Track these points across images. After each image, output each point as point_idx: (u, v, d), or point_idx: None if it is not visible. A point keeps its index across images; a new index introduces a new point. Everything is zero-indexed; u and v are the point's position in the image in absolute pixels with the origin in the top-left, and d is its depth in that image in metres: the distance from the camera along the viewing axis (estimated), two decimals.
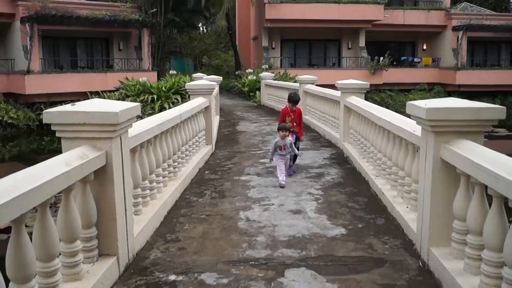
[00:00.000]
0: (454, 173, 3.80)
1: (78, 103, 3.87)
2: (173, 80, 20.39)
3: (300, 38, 29.97)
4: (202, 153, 8.65)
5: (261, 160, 8.80)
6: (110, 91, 21.37)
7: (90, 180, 3.66)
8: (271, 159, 7.35)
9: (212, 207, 5.98)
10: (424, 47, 32.49)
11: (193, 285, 3.84)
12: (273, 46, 29.73)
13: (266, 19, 27.21)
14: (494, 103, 29.09)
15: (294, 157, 7.77)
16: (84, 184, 3.62)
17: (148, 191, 5.26)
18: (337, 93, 10.22)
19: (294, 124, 8.05)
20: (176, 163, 6.66)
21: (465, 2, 32.90)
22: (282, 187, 6.77)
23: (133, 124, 4.31)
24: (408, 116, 4.54)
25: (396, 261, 4.29)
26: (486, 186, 3.20)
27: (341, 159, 8.88)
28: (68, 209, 3.35)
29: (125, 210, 4.12)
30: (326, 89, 12.21)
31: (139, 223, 4.67)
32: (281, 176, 6.94)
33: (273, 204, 6.04)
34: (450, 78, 28.99)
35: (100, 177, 3.79)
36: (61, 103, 22.18)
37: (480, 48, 32.42)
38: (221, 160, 9.02)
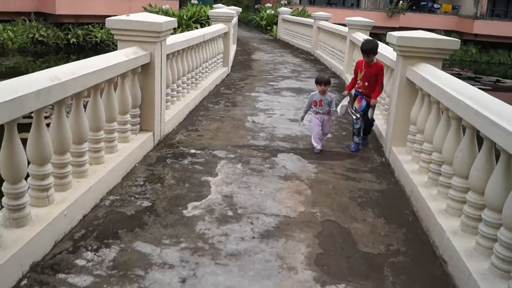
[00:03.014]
0: (414, 89, 4.98)
1: (131, 15, 5.06)
2: (194, 10, 21.16)
3: None
4: (219, 72, 9.84)
5: (270, 83, 9.99)
6: None
7: (138, 72, 4.92)
8: (303, 117, 5.84)
9: (225, 112, 7.25)
10: None
11: (208, 155, 5.17)
12: None
13: None
14: (510, 56, 29.54)
15: (367, 124, 5.84)
16: (133, 75, 4.87)
17: (175, 93, 6.51)
18: (345, 29, 11.20)
19: (366, 83, 5.68)
20: (197, 76, 7.88)
21: None
22: (317, 152, 5.53)
23: (167, 38, 5.50)
24: None
25: (365, 157, 5.57)
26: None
27: (342, 87, 9.98)
28: (123, 90, 4.63)
29: (160, 100, 5.40)
30: (336, 25, 13.13)
31: (168, 114, 5.95)
32: (316, 141, 5.57)
33: (275, 114, 7.30)
34: (468, 26, 29.21)
35: (145, 71, 5.03)
36: (87, 24, 23.35)
37: None
38: (235, 80, 10.22)
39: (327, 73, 11.95)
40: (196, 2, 22.96)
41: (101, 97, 4.09)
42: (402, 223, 3.89)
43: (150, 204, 3.89)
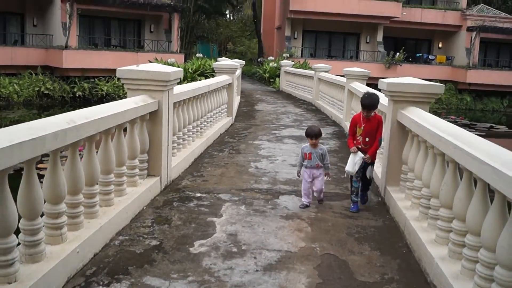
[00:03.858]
0: (405, 131, 5.28)
1: (140, 65, 5.45)
2: (199, 63, 21.94)
3: (321, 30, 31.27)
4: (223, 122, 10.22)
5: (273, 131, 10.35)
6: None
7: (146, 119, 5.25)
8: (298, 172, 5.45)
9: (229, 159, 7.55)
10: (440, 45, 33.48)
11: (213, 198, 5.42)
12: (295, 36, 31.09)
13: (290, 10, 28.56)
14: (503, 103, 30.28)
15: (365, 183, 5.38)
16: (142, 121, 5.20)
17: (181, 140, 6.83)
18: (343, 79, 11.67)
19: (366, 139, 5.25)
20: (202, 125, 8.24)
21: (482, 4, 33.67)
22: (302, 207, 5.22)
23: (174, 87, 5.87)
24: None
25: None
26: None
27: (341, 134, 10.37)
28: (132, 136, 4.94)
29: (167, 146, 5.71)
30: (335, 76, 13.65)
31: (174, 161, 6.25)
32: (304, 197, 5.29)
33: (278, 159, 7.59)
34: (462, 76, 29.99)
35: (153, 118, 5.37)
36: (94, 78, 24.14)
37: (493, 49, 33.26)
38: (239, 129, 10.58)
39: (322, 123, 12.34)
40: (201, 55, 23.79)
41: (111, 142, 4.40)
42: (396, 254, 4.09)
43: (158, 243, 4.11)
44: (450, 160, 3.52)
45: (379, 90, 5.90)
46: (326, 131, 10.81)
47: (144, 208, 4.98)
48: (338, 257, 3.96)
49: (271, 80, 24.81)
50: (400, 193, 5.24)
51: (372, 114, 5.23)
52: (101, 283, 3.37)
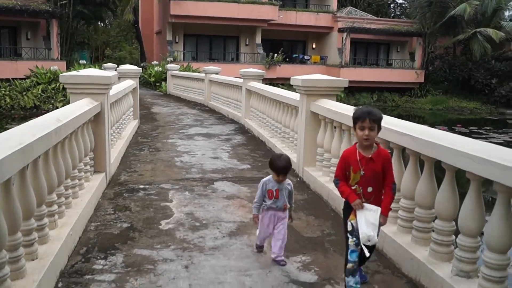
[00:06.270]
0: (318, 118, 6.35)
1: (81, 71, 5.87)
2: (84, 69, 21.61)
3: (202, 33, 32.21)
4: (133, 124, 10.65)
5: (180, 131, 11.00)
6: (20, 79, 22.01)
7: (92, 121, 5.69)
8: (256, 217, 3.97)
9: (153, 156, 8.10)
10: (314, 46, 36.24)
11: (157, 188, 6.02)
12: (177, 40, 31.65)
13: (171, 14, 29.06)
14: (373, 98, 33.69)
15: (362, 257, 3.32)
16: (87, 124, 5.63)
17: (112, 137, 7.26)
18: (239, 80, 12.65)
19: (368, 189, 3.29)
20: (121, 126, 8.66)
21: (350, 7, 37.11)
22: (258, 251, 4.10)
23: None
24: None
25: None
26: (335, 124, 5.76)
27: (243, 131, 11.33)
28: (83, 136, 5.37)
29: (109, 144, 6.17)
30: (230, 77, 14.62)
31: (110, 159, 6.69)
32: (260, 240, 4.07)
33: (197, 154, 8.31)
34: (335, 74, 32.71)
35: (96, 119, 5.81)
36: None
37: (362, 48, 36.85)
38: (148, 130, 11.06)
39: (222, 121, 13.21)
40: (85, 62, 23.39)
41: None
42: (327, 217, 5.11)
43: (129, 225, 4.68)
44: None
45: (278, 85, 6.92)
46: (228, 128, 11.71)
47: (100, 200, 5.45)
48: None
49: (157, 84, 25.15)
50: (318, 172, 6.29)
51: (374, 149, 3.27)
52: (99, 257, 3.90)
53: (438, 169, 3.65)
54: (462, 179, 3.48)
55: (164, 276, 3.59)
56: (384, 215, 3.28)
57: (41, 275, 3.16)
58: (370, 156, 3.25)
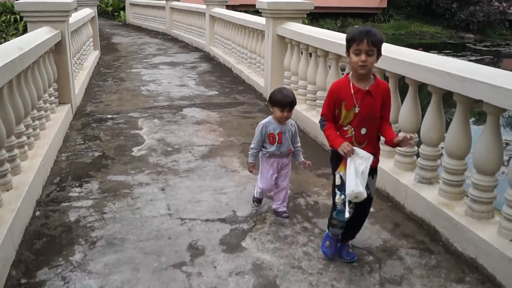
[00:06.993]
0: (284, 42, 6.34)
1: None
2: None
3: None
4: (94, 55, 10.35)
5: (144, 60, 10.78)
6: None
7: (53, 50, 5.53)
8: (253, 165, 3.43)
9: (118, 86, 7.99)
10: None
11: (125, 117, 6.00)
12: None
13: None
14: (336, 24, 33.49)
15: (359, 219, 2.88)
16: (49, 53, 5.47)
17: (74, 68, 7.09)
18: (202, 7, 12.31)
19: (362, 130, 2.68)
20: (82, 57, 8.43)
21: None
22: (258, 205, 3.61)
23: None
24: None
25: (251, 103, 6.84)
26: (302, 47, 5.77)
27: (208, 58, 11.20)
28: (45, 66, 5.24)
29: (72, 74, 6.04)
30: (193, 4, 14.18)
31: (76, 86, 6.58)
32: (260, 194, 3.55)
33: (163, 82, 8.23)
34: None
35: (57, 49, 5.65)
36: None
37: None
38: (110, 61, 10.79)
39: (186, 50, 12.96)
40: None
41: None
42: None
43: (100, 153, 4.70)
44: (333, 57, 4.66)
45: (256, 12, 6.81)
46: (192, 56, 11.54)
47: (68, 131, 5.42)
48: None
49: (115, 13, 24.16)
50: None
51: (372, 81, 2.67)
52: (73, 185, 3.95)
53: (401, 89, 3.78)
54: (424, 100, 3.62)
55: (141, 198, 3.68)
56: (391, 145, 2.71)
57: (18, 204, 3.19)
58: (367, 88, 2.61)
